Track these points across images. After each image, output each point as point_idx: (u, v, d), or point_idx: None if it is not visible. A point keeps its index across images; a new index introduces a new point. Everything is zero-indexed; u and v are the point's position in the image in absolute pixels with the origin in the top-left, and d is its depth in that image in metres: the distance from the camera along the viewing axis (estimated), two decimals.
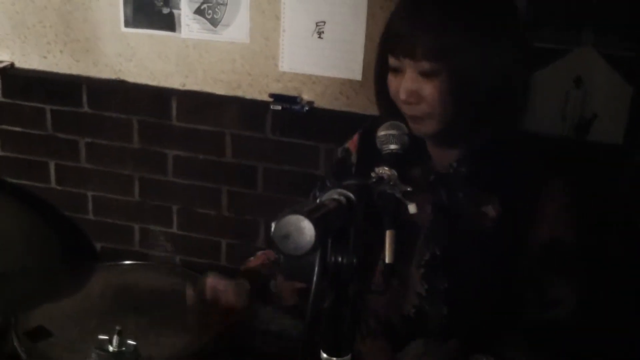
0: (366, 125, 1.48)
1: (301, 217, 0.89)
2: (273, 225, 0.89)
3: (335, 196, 1.01)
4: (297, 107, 2.14)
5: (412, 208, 1.16)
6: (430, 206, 1.38)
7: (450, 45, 1.23)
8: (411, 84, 1.27)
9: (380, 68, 1.36)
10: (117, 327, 1.73)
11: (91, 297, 2.14)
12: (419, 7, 1.28)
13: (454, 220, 1.37)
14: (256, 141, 2.19)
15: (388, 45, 1.31)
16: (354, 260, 1.01)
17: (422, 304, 1.40)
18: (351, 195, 1.01)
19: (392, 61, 1.30)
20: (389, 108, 1.37)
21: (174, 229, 2.35)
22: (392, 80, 1.32)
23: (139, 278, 2.25)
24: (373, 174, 1.16)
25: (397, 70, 1.30)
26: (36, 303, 2.04)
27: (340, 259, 1.00)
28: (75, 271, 2.23)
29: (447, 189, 1.38)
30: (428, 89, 1.26)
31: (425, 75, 1.25)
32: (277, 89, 2.16)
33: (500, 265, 1.34)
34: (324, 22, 2.07)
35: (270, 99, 2.16)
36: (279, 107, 2.14)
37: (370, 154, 1.27)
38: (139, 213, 2.37)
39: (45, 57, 2.33)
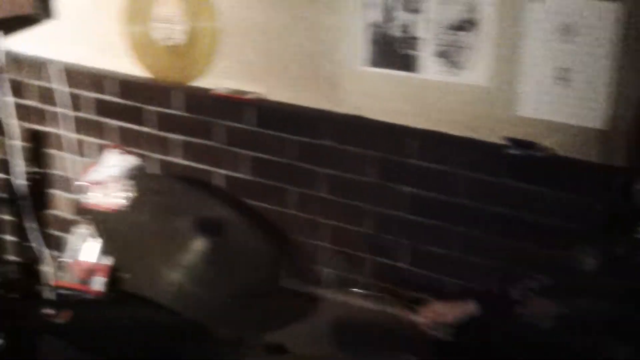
0: (621, 180, 1.46)
1: None
2: None
3: None
4: (535, 153, 2.17)
5: None
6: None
7: None
8: None
9: None
10: None
11: (320, 321, 2.35)
12: None
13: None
14: (491, 185, 2.25)
15: None
16: None
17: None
18: None
19: None
20: None
21: (408, 265, 2.49)
22: None
23: (363, 307, 2.43)
24: None
25: None
26: (276, 323, 2.30)
27: None
28: (304, 296, 2.47)
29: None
30: None
31: None
32: (515, 133, 2.21)
33: None
34: (567, 69, 2.08)
35: (507, 143, 2.21)
36: (516, 152, 2.19)
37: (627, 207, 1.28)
38: (371, 245, 2.54)
39: (292, 91, 2.57)
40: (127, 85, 2.83)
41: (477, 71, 2.20)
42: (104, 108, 2.91)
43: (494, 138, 2.24)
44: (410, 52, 2.29)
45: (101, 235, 2.65)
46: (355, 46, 2.37)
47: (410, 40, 2.28)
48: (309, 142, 2.55)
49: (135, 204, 2.39)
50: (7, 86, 2.91)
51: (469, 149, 2.28)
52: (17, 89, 3.01)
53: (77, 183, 3.00)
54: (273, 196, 2.67)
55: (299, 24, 2.44)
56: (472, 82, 2.22)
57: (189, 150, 2.78)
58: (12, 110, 2.94)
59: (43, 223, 3.15)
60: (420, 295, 2.37)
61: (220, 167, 2.75)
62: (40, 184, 3.08)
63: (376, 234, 2.51)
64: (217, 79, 2.65)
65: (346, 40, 2.38)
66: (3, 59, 2.88)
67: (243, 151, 2.69)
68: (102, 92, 2.89)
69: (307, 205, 2.63)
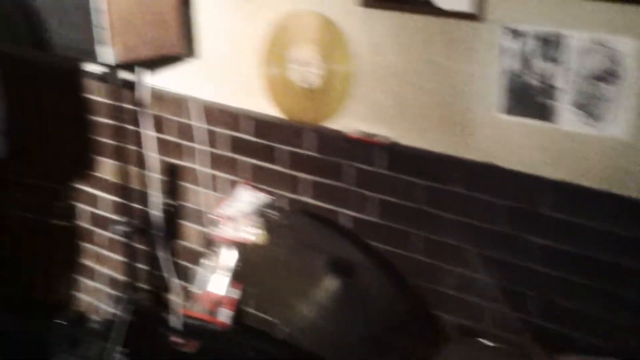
0: None
1: None
2: None
3: None
4: None
5: None
6: None
7: None
8: None
9: None
10: None
11: None
12: None
13: None
14: (628, 240, 2.20)
15: None
16: None
17: None
18: None
19: None
20: None
21: (538, 319, 2.45)
22: None
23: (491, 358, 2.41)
24: None
25: None
26: None
27: None
28: (428, 341, 2.47)
29: None
30: None
31: None
32: None
33: None
34: None
35: None
36: None
37: None
38: (499, 295, 2.51)
39: (423, 136, 2.60)
40: (262, 124, 2.95)
41: (616, 124, 2.16)
42: (238, 145, 3.03)
43: (632, 192, 2.19)
44: (547, 101, 2.28)
45: (235, 267, 2.76)
46: (490, 93, 2.38)
47: (548, 89, 2.27)
48: (438, 187, 2.56)
49: (269, 239, 2.48)
50: (150, 121, 3.08)
51: (605, 202, 2.23)
52: (159, 124, 3.18)
53: (209, 216, 3.13)
54: (399, 240, 2.70)
55: (433, 69, 2.48)
56: (611, 135, 2.18)
57: (318, 190, 2.85)
58: (154, 145, 3.10)
59: (174, 253, 3.30)
60: (551, 350, 2.32)
61: (348, 208, 2.81)
62: (173, 216, 3.23)
63: (504, 283, 2.49)
64: (349, 121, 2.71)
65: (481, 86, 2.40)
66: (148, 96, 3.06)
67: (371, 193, 2.73)
68: (237, 130, 3.02)
69: (433, 251, 2.64)
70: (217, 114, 3.05)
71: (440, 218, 2.58)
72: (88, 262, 3.77)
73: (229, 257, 2.99)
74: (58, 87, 3.12)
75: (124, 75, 2.98)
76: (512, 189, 2.41)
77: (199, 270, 3.04)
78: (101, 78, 2.78)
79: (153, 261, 3.31)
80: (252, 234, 3.02)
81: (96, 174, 3.53)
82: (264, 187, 2.99)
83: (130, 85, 2.98)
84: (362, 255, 2.58)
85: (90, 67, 3.28)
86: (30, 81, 3.44)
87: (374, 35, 2.56)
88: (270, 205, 3.00)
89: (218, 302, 2.87)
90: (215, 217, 3.05)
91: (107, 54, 2.48)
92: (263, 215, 3.00)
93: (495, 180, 2.43)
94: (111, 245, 3.61)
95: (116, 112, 3.06)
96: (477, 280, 2.54)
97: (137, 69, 2.94)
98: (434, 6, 2.39)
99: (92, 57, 2.49)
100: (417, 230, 2.65)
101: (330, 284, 2.15)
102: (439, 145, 2.55)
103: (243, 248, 2.76)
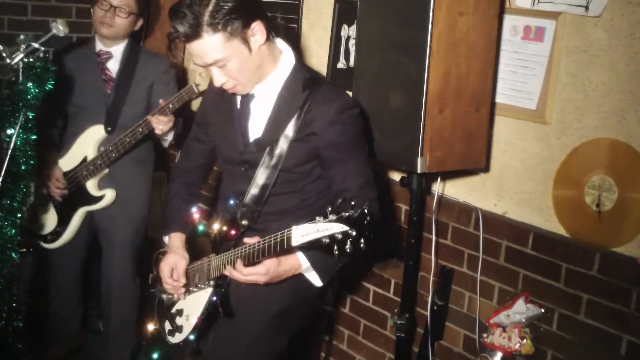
0: None
1: None
2: None
3: None
4: None
5: None
6: None
7: None
8: None
9: None
10: None
11: None
12: None
13: None
14: None
15: None
16: None
17: None
18: None
19: None
20: None
21: None
22: None
23: None
24: None
25: None
26: None
27: None
28: None
29: None
30: None
31: None
32: None
33: None
34: None
35: None
36: None
37: None
38: None
39: None
40: (541, 239, 3.08)
41: None
42: (513, 256, 3.18)
43: None
44: None
45: None
46: None
47: None
48: None
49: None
50: (433, 225, 3.30)
51: None
52: (438, 228, 3.40)
53: (479, 322, 3.27)
54: None
55: None
56: None
57: (596, 311, 2.91)
58: (432, 247, 3.32)
59: (435, 353, 3.45)
60: None
61: (625, 332, 2.84)
62: (441, 317, 3.40)
63: None
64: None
65: None
66: (434, 202, 3.30)
67: None
68: (514, 242, 3.17)
69: None
70: (495, 225, 3.23)
71: None
72: (343, 347, 4.00)
73: None
74: None
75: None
76: None
77: None
78: (401, 183, 3.04)
79: (414, 357, 3.47)
80: (520, 344, 3.13)
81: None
82: (536, 299, 3.09)
83: (422, 191, 3.23)
84: None
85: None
86: None
87: None
88: (540, 318, 3.10)
89: None
90: (485, 324, 3.19)
91: (419, 163, 2.73)
92: (532, 327, 3.11)
93: None
94: (371, 335, 3.82)
95: (400, 214, 3.32)
96: None
97: (431, 177, 3.18)
98: None
99: (409, 165, 2.75)
100: None
101: None
102: None
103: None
